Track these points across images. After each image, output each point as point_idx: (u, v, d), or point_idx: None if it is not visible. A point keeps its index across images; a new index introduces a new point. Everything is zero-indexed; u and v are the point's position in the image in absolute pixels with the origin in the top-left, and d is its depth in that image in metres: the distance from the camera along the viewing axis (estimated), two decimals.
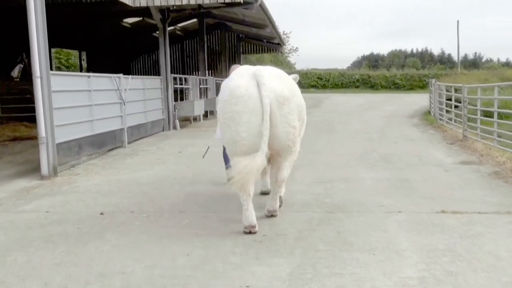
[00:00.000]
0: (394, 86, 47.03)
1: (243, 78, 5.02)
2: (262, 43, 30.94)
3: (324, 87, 47.52)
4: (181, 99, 19.21)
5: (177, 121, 16.29)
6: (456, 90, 14.99)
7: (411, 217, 5.47)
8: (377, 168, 8.60)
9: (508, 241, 4.67)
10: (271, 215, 5.50)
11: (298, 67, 55.20)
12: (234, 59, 31.39)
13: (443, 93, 16.42)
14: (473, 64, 74.48)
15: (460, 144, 11.44)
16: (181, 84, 19.07)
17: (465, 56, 76.95)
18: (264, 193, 6.33)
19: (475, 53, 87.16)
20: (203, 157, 8.15)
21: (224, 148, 5.96)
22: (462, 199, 6.22)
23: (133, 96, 12.93)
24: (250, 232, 4.91)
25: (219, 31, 29.62)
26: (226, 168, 5.94)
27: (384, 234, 4.88)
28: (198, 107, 18.00)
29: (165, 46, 15.57)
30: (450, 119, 14.65)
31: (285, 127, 4.99)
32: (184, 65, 31.79)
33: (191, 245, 4.67)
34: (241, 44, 31.47)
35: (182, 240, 4.77)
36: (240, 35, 30.76)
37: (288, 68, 45.83)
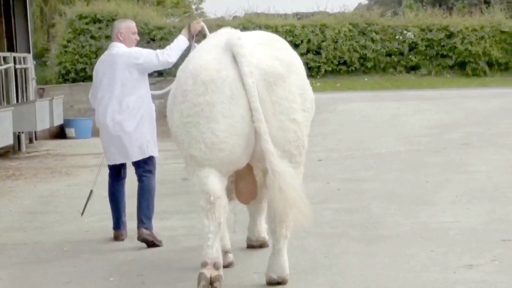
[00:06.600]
0: None
1: (211, 53, 5.02)
2: None
3: (313, 71, 21.59)
4: None
5: None
6: None
7: None
8: None
9: None
10: (277, 283, 5.12)
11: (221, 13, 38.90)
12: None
13: None
14: None
15: None
16: None
17: None
18: (251, 246, 6.21)
19: None
20: (82, 214, 7.62)
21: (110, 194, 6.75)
22: None
23: None
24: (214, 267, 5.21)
25: None
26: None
27: None
28: None
29: None
30: None
31: (281, 121, 4.87)
32: None
33: None
34: None
35: None
36: None
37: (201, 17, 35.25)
